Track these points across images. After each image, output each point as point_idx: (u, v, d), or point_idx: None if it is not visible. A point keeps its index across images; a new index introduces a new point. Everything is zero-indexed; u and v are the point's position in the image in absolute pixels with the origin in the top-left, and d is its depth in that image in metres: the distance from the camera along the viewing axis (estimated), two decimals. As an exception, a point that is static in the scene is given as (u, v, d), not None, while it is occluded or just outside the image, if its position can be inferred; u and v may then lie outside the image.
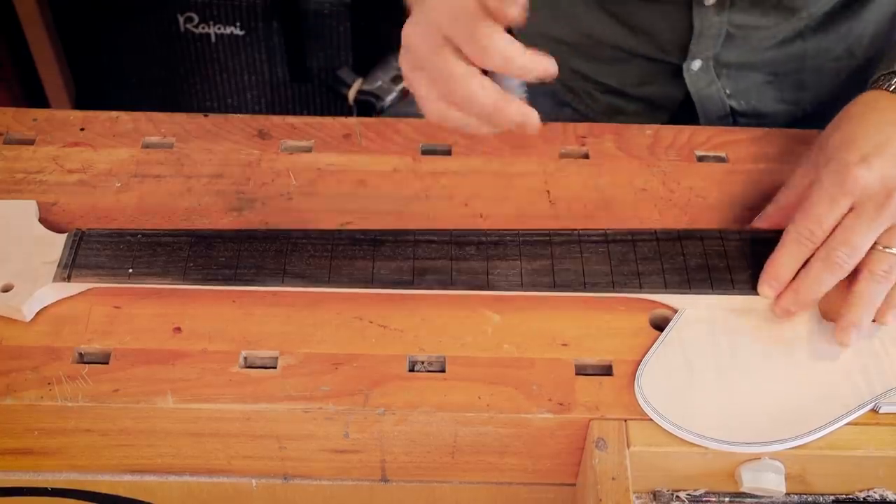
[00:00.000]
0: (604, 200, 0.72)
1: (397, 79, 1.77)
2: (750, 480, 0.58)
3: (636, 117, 0.91)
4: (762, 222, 0.67)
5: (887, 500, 0.60)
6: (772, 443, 0.57)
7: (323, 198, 0.72)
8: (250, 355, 0.62)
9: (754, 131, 0.78)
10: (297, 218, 0.70)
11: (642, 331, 0.64)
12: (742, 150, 0.76)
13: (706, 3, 0.80)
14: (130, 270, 0.64)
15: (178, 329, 0.63)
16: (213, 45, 1.66)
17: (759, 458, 0.58)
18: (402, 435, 0.61)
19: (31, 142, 0.76)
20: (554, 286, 0.63)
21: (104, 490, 0.66)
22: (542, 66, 0.55)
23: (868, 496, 0.61)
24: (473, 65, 0.56)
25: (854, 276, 0.61)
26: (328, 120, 0.78)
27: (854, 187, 0.59)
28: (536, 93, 0.60)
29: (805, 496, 0.61)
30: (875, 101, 0.64)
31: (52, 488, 0.66)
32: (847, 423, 0.59)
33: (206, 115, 0.78)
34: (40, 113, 0.78)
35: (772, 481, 0.58)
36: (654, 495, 0.61)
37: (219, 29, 1.64)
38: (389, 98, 1.77)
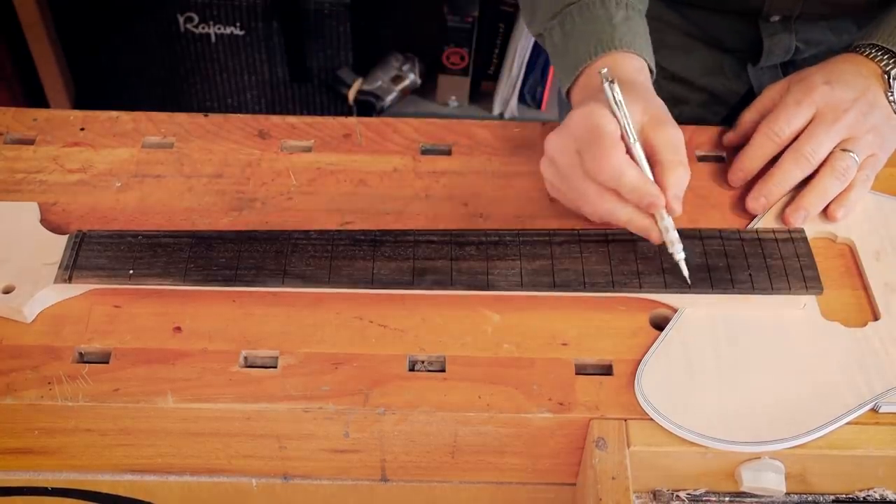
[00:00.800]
0: (604, 200, 0.72)
1: (397, 79, 1.77)
2: (750, 480, 0.58)
3: (699, 108, 0.94)
4: (736, 134, 0.75)
5: (887, 499, 0.60)
6: (772, 442, 0.57)
7: (323, 198, 0.72)
8: (250, 355, 0.62)
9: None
10: (297, 218, 0.70)
11: (642, 330, 0.64)
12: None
13: (771, 20, 0.85)
14: (131, 271, 0.64)
15: (179, 329, 0.63)
16: (213, 45, 1.67)
17: (759, 458, 0.58)
18: (402, 435, 0.61)
19: (31, 142, 0.76)
20: (554, 286, 0.63)
21: (104, 490, 0.66)
22: (649, 199, 0.62)
23: (868, 496, 0.61)
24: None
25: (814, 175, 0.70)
26: (328, 120, 0.78)
27: (818, 97, 0.70)
28: None
29: (805, 496, 0.61)
30: (853, 57, 0.73)
31: (52, 488, 0.66)
32: (847, 423, 0.59)
33: (206, 115, 0.78)
34: (40, 113, 0.78)
35: (772, 481, 0.58)
36: (654, 495, 0.61)
37: (219, 29, 1.64)
38: (389, 98, 1.77)
